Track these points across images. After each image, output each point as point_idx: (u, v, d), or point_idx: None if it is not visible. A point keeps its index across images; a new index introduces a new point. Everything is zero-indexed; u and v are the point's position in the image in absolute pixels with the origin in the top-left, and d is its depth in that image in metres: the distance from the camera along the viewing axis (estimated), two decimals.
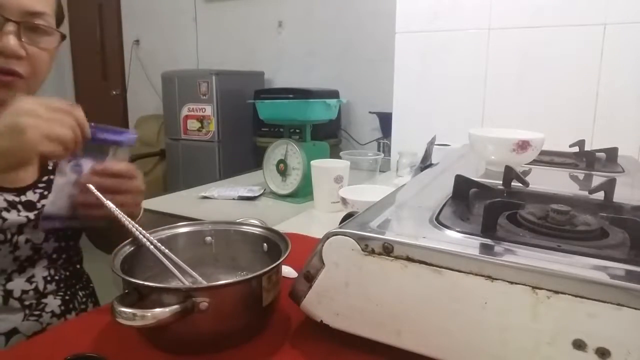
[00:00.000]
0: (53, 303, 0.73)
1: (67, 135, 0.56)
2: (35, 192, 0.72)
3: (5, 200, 0.68)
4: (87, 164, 0.65)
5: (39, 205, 0.71)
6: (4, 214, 0.67)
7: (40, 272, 0.73)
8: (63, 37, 0.71)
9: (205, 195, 1.36)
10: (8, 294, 0.69)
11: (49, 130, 0.54)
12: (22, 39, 0.64)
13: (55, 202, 0.64)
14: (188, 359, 0.49)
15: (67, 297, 0.76)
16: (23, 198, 0.70)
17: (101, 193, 0.62)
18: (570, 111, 1.37)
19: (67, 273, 0.78)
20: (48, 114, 0.55)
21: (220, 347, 0.50)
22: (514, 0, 1.41)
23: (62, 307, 0.75)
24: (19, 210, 0.68)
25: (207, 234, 0.64)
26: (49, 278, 0.74)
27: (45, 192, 0.73)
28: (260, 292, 0.50)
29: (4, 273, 0.68)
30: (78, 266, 0.81)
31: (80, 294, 0.80)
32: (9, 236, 0.67)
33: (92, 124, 0.61)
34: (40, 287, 0.72)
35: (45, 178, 0.74)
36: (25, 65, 0.66)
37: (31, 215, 0.69)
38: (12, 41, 0.62)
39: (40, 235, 0.71)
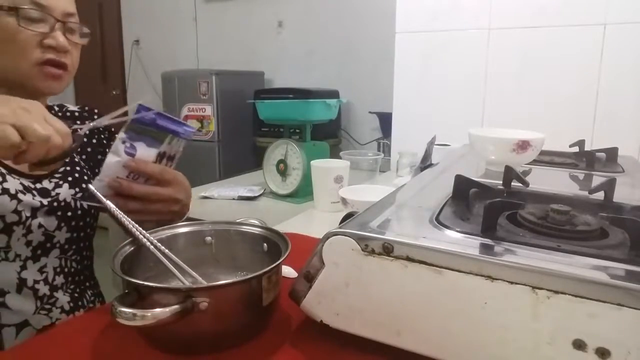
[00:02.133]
0: (63, 299, 0.75)
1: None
2: (50, 181, 0.75)
3: (22, 184, 0.70)
4: (141, 148, 0.66)
5: (53, 193, 0.74)
6: (20, 195, 0.69)
7: (51, 262, 0.74)
8: (89, 34, 0.79)
9: (205, 195, 1.36)
10: (22, 282, 0.70)
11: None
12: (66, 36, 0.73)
13: (102, 180, 0.65)
14: (188, 359, 0.49)
15: (75, 295, 0.78)
16: (38, 185, 0.73)
17: (132, 200, 0.63)
18: (570, 111, 1.37)
19: (78, 267, 0.80)
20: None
21: (220, 347, 0.50)
22: (514, 0, 1.41)
23: (71, 304, 0.76)
24: (34, 195, 0.71)
25: (207, 234, 0.64)
26: (58, 269, 0.75)
27: (61, 182, 0.76)
28: (260, 292, 0.50)
29: (18, 258, 0.70)
30: (86, 262, 0.83)
31: (89, 292, 0.82)
32: (23, 218, 0.69)
33: (154, 110, 0.65)
34: (50, 277, 0.74)
35: (62, 169, 0.77)
36: (69, 59, 0.75)
37: (45, 201, 0.72)
38: (61, 38, 0.72)
39: (53, 223, 0.73)
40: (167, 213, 0.70)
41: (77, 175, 0.78)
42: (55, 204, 0.73)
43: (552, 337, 0.39)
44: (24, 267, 0.71)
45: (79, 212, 0.77)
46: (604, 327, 0.37)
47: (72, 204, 0.76)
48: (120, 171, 0.65)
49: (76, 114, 0.85)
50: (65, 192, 0.75)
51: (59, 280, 0.75)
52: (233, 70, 2.92)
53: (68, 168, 0.78)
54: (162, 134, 0.67)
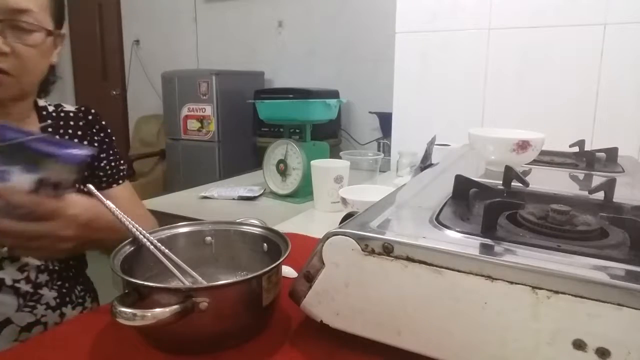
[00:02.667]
0: (48, 295, 0.74)
1: None
2: None
3: None
4: (16, 174, 0.56)
5: None
6: None
7: (32, 261, 0.73)
8: (49, 33, 0.71)
9: (205, 195, 1.36)
10: (0, 282, 0.69)
11: None
12: (7, 36, 0.66)
13: None
14: (188, 359, 0.49)
15: (63, 290, 0.77)
16: None
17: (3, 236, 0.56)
18: (570, 111, 1.37)
19: (62, 265, 0.78)
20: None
21: (220, 347, 0.50)
22: (514, 0, 1.41)
23: (58, 300, 0.75)
24: None
25: (207, 234, 0.64)
26: (42, 267, 0.74)
27: None
28: (260, 292, 0.50)
29: None
30: (72, 262, 0.81)
31: (78, 288, 0.81)
32: None
33: (34, 132, 0.57)
34: (32, 276, 0.73)
35: None
36: (11, 62, 0.66)
37: None
38: None
39: None
40: (53, 251, 0.61)
41: None
42: None
43: (552, 337, 0.39)
44: (0, 268, 0.69)
45: None
46: (604, 327, 0.37)
47: None
48: None
49: (71, 114, 0.84)
50: None
51: (43, 277, 0.74)
52: (233, 70, 2.92)
53: None
54: (39, 158, 0.57)
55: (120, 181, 0.88)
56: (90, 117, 0.86)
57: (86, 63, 4.01)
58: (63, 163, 0.58)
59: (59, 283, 0.77)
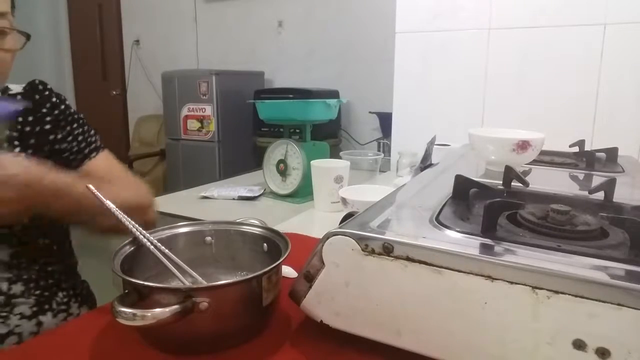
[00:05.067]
0: (23, 305, 0.72)
1: None
2: None
3: None
4: None
5: None
6: None
7: (1, 273, 0.70)
8: (28, 37, 0.68)
9: (205, 195, 1.36)
10: None
11: None
12: None
13: None
14: (188, 359, 0.49)
15: (42, 299, 0.74)
16: None
17: None
18: (570, 111, 1.37)
19: (40, 274, 0.75)
20: None
21: (220, 347, 0.50)
22: (514, 1, 1.41)
23: (35, 309, 0.73)
24: None
25: (207, 234, 0.64)
26: (13, 279, 0.71)
27: None
28: (260, 292, 0.50)
29: None
30: (50, 268, 0.78)
31: (60, 294, 0.78)
32: None
33: None
34: (4, 288, 0.70)
35: None
36: None
37: None
38: None
39: None
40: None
41: None
42: None
43: (552, 337, 0.39)
44: None
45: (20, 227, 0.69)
46: (604, 327, 0.37)
47: None
48: None
49: (18, 96, 0.76)
50: None
51: (17, 288, 0.71)
52: (233, 70, 2.92)
53: None
54: None
55: (94, 154, 0.81)
56: (37, 97, 0.77)
57: (86, 63, 4.01)
58: None
59: (37, 292, 0.74)
